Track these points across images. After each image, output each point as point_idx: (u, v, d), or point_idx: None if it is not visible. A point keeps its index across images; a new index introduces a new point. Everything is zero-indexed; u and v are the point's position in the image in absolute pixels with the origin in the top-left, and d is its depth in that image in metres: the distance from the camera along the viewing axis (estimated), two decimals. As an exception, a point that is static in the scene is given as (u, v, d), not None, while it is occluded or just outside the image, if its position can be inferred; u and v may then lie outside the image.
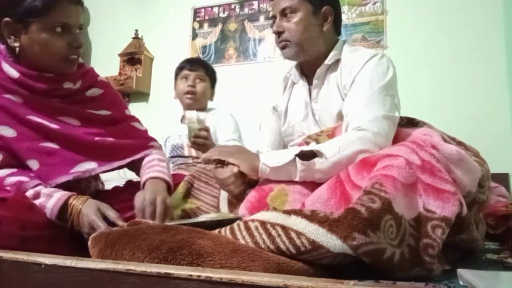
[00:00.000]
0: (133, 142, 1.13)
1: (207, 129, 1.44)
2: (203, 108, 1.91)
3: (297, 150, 0.89)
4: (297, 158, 0.87)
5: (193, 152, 1.81)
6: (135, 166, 1.13)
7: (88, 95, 1.11)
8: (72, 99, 1.08)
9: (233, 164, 0.96)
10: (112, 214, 0.91)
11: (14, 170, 0.95)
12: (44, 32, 0.96)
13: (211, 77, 1.94)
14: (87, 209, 0.91)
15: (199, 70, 1.89)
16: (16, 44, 0.98)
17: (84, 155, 1.01)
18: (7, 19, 0.96)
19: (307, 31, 1.11)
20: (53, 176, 0.96)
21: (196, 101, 1.87)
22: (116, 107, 1.16)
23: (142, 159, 1.13)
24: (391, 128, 0.92)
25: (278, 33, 1.13)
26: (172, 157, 1.89)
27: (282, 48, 1.14)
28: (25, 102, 1.00)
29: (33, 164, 0.96)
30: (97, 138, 1.05)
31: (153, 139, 1.21)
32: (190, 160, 1.85)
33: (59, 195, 0.93)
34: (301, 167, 0.87)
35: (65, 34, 0.98)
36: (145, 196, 0.95)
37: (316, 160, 0.86)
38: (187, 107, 1.85)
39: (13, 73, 0.99)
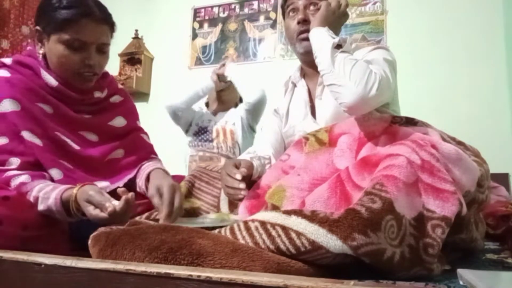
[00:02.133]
0: (138, 155, 1.17)
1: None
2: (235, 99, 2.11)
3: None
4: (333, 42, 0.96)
5: (222, 146, 1.96)
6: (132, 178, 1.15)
7: (111, 101, 1.18)
8: (98, 106, 1.14)
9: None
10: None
11: (25, 172, 0.95)
12: (61, 45, 1.00)
13: None
14: (83, 190, 0.90)
15: None
16: (41, 52, 1.04)
17: (97, 175, 1.05)
18: (37, 27, 1.03)
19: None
20: None
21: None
22: (131, 117, 1.22)
23: (140, 166, 1.16)
24: (391, 71, 0.97)
25: (304, 21, 1.13)
26: (196, 139, 2.02)
27: (305, 39, 1.12)
28: (55, 113, 1.03)
29: (57, 173, 0.98)
30: (109, 158, 1.10)
31: (156, 154, 1.25)
32: (215, 151, 1.97)
33: (54, 196, 0.92)
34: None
35: (80, 51, 1.01)
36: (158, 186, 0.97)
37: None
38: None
39: (52, 81, 1.04)
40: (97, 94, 1.13)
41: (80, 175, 1.02)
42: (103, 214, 0.84)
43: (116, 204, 0.84)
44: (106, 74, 1.18)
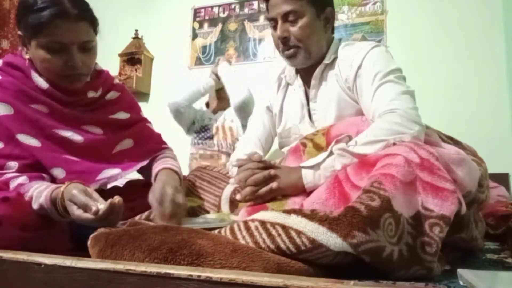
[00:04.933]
0: (149, 146, 1.15)
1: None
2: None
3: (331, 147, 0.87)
4: (333, 147, 0.85)
5: (222, 143, 1.98)
6: (145, 168, 1.13)
7: (107, 98, 1.14)
8: (94, 105, 1.11)
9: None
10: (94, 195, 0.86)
11: (23, 174, 0.95)
12: (41, 50, 0.97)
13: None
14: (68, 189, 0.87)
15: None
16: (27, 57, 1.01)
17: (106, 162, 1.03)
18: (19, 32, 1.00)
19: (314, 35, 1.08)
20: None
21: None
22: (133, 110, 1.19)
23: (153, 159, 1.14)
24: (412, 101, 0.93)
25: (285, 38, 1.08)
26: (197, 137, 2.04)
27: (292, 56, 1.09)
28: (51, 112, 1.01)
29: (59, 172, 0.97)
30: (118, 149, 1.08)
31: (165, 143, 1.23)
32: (216, 149, 1.99)
33: (45, 193, 0.90)
34: (338, 152, 0.84)
35: (61, 53, 0.97)
36: (156, 190, 0.92)
37: (349, 143, 0.84)
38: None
39: (43, 83, 1.01)
40: (91, 94, 1.09)
41: (86, 165, 1.00)
42: (86, 215, 0.81)
43: (102, 206, 0.81)
44: (99, 73, 1.14)
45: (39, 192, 0.91)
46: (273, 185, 0.89)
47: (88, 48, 1.01)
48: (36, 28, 0.94)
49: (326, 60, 1.10)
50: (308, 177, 0.87)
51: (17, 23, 1.01)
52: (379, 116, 0.90)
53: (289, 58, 1.10)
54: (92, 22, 1.01)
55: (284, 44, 1.09)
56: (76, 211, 0.83)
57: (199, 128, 2.06)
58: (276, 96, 1.24)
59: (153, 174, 1.06)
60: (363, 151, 0.81)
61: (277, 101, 1.23)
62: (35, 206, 0.91)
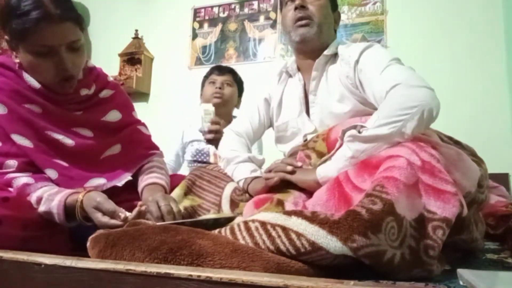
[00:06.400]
0: (137, 152, 1.15)
1: (219, 122, 1.58)
2: (229, 114, 1.94)
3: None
4: (343, 137, 0.84)
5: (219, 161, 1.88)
6: (135, 173, 1.14)
7: (101, 96, 1.13)
8: (88, 103, 1.10)
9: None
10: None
11: (26, 173, 0.96)
12: (30, 55, 0.95)
13: (239, 84, 1.99)
14: (90, 197, 0.91)
15: (227, 75, 1.94)
16: (17, 61, 0.99)
17: (93, 171, 1.04)
18: (6, 36, 0.97)
19: (328, 17, 1.14)
20: (70, 187, 0.97)
21: (224, 102, 1.89)
22: (126, 109, 1.18)
23: (140, 168, 1.15)
24: (415, 73, 0.92)
25: (302, 7, 1.10)
26: (194, 161, 1.92)
27: (304, 25, 1.10)
28: (44, 113, 1.01)
29: (52, 173, 0.98)
30: (105, 155, 1.09)
31: (155, 147, 1.23)
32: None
33: (58, 198, 0.92)
34: (349, 138, 0.82)
35: (50, 56, 0.95)
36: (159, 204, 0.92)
37: (361, 129, 0.83)
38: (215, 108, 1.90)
39: (35, 83, 1.00)
40: (84, 92, 1.08)
41: (76, 172, 1.01)
42: (114, 221, 0.85)
43: (128, 214, 0.87)
44: (91, 69, 1.13)
45: (50, 195, 0.92)
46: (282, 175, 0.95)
47: (76, 48, 0.99)
48: (21, 33, 0.92)
49: (326, 52, 1.12)
50: (321, 172, 0.87)
51: (2, 28, 0.97)
52: (386, 93, 0.89)
53: (301, 26, 1.11)
54: (77, 20, 0.98)
55: (301, 10, 1.11)
56: (102, 218, 0.87)
57: (195, 152, 1.94)
58: (276, 88, 1.25)
59: (139, 189, 1.08)
60: (376, 132, 0.78)
61: (276, 93, 1.24)
62: (42, 208, 0.92)
